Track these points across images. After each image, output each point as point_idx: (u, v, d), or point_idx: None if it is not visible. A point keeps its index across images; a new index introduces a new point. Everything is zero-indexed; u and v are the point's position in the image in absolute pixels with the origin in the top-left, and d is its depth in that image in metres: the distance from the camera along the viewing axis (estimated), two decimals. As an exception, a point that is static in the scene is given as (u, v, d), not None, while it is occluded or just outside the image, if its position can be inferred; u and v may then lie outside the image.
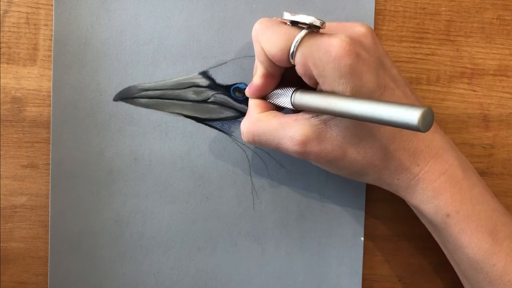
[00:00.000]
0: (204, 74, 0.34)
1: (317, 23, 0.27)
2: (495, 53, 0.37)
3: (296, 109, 0.30)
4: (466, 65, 0.37)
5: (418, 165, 0.29)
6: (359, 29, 0.29)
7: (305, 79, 0.28)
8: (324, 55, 0.26)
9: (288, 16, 0.28)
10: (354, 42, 0.27)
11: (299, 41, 0.27)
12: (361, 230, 0.36)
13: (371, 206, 0.36)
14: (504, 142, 0.37)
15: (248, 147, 0.35)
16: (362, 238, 0.36)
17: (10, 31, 0.34)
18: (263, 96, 0.32)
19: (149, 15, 0.34)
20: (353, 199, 0.36)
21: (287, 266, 0.36)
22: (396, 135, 0.29)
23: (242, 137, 0.31)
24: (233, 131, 0.35)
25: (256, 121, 0.30)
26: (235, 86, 0.34)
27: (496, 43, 0.37)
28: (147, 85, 0.34)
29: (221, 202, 0.35)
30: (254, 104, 0.31)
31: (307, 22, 0.27)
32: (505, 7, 0.37)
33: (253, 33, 0.29)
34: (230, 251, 0.35)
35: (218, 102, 0.35)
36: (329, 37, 0.27)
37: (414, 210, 0.32)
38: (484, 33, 0.37)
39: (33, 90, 0.34)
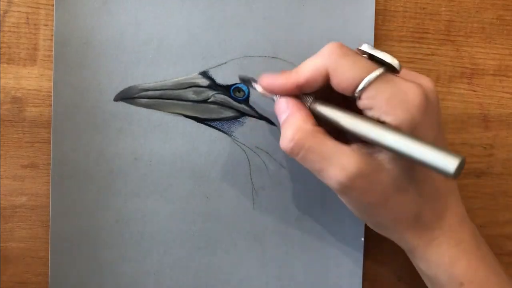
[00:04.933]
0: (204, 74, 0.34)
1: (396, 65, 0.27)
2: (495, 53, 0.37)
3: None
4: (466, 65, 0.37)
5: (441, 229, 0.30)
6: (427, 83, 0.29)
7: (367, 113, 0.28)
8: (401, 94, 0.27)
9: (367, 49, 0.28)
10: (427, 97, 0.27)
11: (375, 77, 0.27)
12: (361, 230, 0.36)
13: (371, 206, 0.36)
14: (504, 142, 0.37)
15: (248, 147, 0.35)
16: (362, 239, 0.36)
17: (10, 31, 0.34)
18: (286, 93, 0.30)
19: (150, 15, 0.34)
20: (353, 199, 0.36)
21: (287, 266, 0.36)
22: (435, 196, 0.29)
23: (285, 144, 0.28)
24: (233, 131, 0.35)
25: (312, 135, 0.28)
26: (235, 86, 0.35)
27: (496, 43, 0.37)
28: (147, 85, 0.34)
29: (221, 202, 0.35)
30: (306, 115, 0.29)
31: (388, 61, 0.27)
32: (505, 7, 0.37)
33: (326, 52, 0.28)
34: (230, 251, 0.35)
35: (218, 102, 0.35)
36: (406, 81, 0.27)
37: (420, 271, 0.32)
38: (484, 33, 0.37)
39: (33, 90, 0.34)
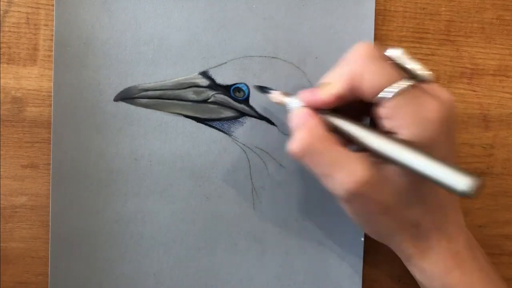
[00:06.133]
0: (204, 74, 0.34)
1: (428, 78, 0.26)
2: (495, 53, 0.37)
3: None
4: (466, 65, 0.37)
5: (438, 239, 0.29)
6: (449, 97, 0.28)
7: (384, 121, 0.27)
8: (423, 110, 0.26)
9: (398, 56, 0.27)
10: (448, 113, 0.27)
11: (402, 89, 0.26)
12: (361, 230, 0.36)
13: (371, 206, 0.36)
14: (504, 142, 0.37)
15: (248, 147, 0.35)
16: (362, 239, 0.36)
17: (10, 31, 0.34)
18: (329, 106, 0.29)
19: (150, 15, 0.34)
20: (353, 199, 0.35)
21: (287, 266, 0.36)
22: (436, 207, 0.29)
23: (295, 147, 0.28)
24: (233, 131, 0.35)
25: (322, 139, 0.28)
26: (235, 86, 0.35)
27: (496, 43, 0.37)
28: (147, 85, 0.34)
29: (221, 202, 0.35)
30: (318, 121, 0.28)
31: (419, 73, 0.26)
32: (505, 7, 0.37)
33: (355, 54, 0.28)
34: (230, 251, 0.35)
35: (218, 102, 0.35)
36: (430, 97, 0.27)
37: (416, 280, 0.32)
38: (484, 33, 0.37)
39: (33, 90, 0.34)
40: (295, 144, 0.28)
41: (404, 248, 0.30)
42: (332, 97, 0.28)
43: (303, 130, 0.28)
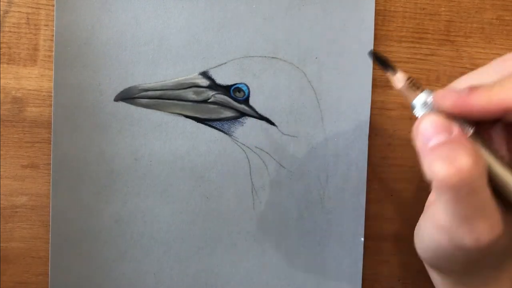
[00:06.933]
0: (204, 74, 0.34)
1: None
2: (494, 54, 0.37)
3: None
4: (466, 66, 0.37)
5: (487, 278, 0.25)
6: None
7: None
8: None
9: None
10: None
11: None
12: (361, 230, 0.36)
13: (371, 206, 0.36)
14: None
15: (248, 147, 0.35)
16: (362, 238, 0.36)
17: (10, 32, 0.34)
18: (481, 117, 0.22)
19: (150, 15, 0.34)
20: (353, 199, 0.36)
21: (287, 266, 0.36)
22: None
23: (451, 172, 0.20)
24: (233, 131, 0.35)
25: (482, 177, 0.21)
26: (235, 86, 0.35)
27: (495, 44, 0.37)
28: (147, 85, 0.34)
29: (221, 202, 0.35)
30: (477, 151, 0.21)
31: None
32: (504, 7, 0.37)
33: None
34: (230, 251, 0.35)
35: (218, 102, 0.35)
36: None
37: None
38: (483, 33, 0.37)
39: (33, 90, 0.34)
40: (451, 169, 0.20)
41: (458, 281, 0.27)
42: (500, 104, 0.20)
43: (466, 157, 0.20)
